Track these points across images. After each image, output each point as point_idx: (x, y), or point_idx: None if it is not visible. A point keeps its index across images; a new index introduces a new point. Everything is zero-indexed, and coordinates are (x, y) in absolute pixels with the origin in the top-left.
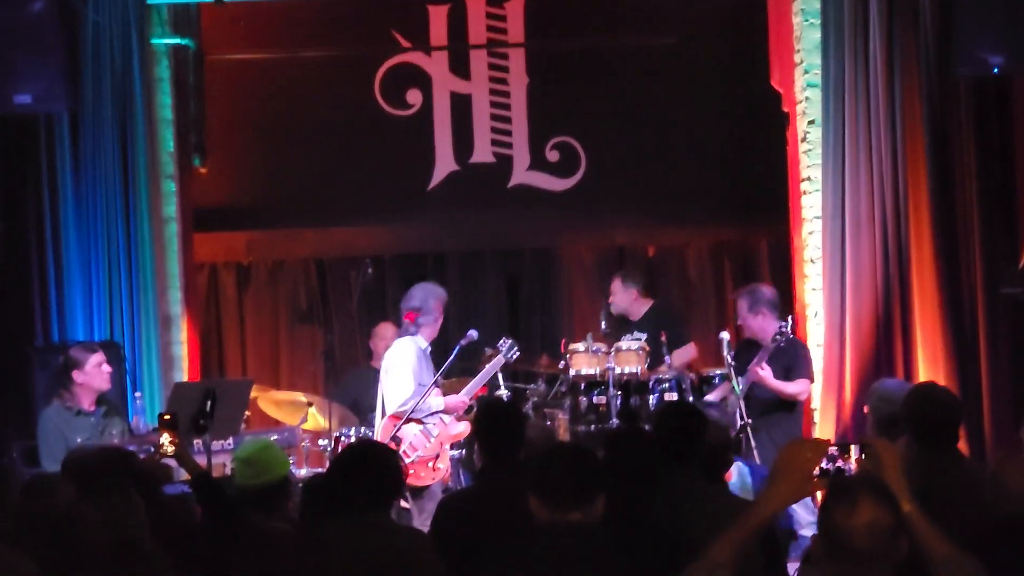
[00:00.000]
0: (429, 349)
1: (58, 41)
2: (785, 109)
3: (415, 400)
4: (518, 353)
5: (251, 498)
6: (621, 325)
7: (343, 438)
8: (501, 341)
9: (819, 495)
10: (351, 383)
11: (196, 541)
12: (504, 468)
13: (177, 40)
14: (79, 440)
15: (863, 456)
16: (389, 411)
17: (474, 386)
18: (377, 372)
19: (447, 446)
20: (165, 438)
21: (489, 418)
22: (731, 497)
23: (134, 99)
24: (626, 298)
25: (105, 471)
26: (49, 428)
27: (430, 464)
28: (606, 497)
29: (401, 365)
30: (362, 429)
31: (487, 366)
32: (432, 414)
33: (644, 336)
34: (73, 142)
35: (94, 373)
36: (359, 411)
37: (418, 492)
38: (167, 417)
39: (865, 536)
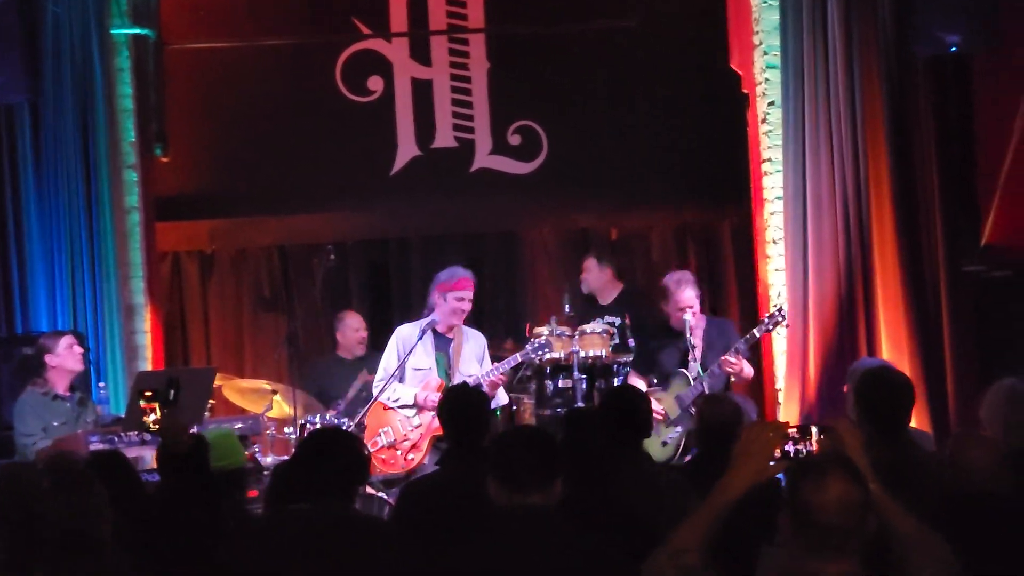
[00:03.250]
0: (430, 330)
1: (18, 32)
2: (745, 90)
3: (381, 387)
4: (546, 355)
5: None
6: (589, 308)
7: (308, 425)
8: (532, 341)
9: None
10: (317, 371)
11: (181, 531)
12: (468, 454)
13: (137, 30)
14: (56, 424)
15: (823, 438)
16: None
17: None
18: (343, 360)
19: (430, 438)
20: (151, 416)
21: (453, 404)
22: (678, 478)
23: (94, 89)
24: (600, 278)
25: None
26: (27, 412)
27: (399, 452)
28: (564, 478)
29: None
30: (327, 416)
31: (503, 362)
32: (403, 406)
33: (617, 320)
34: (34, 133)
35: (66, 355)
36: (325, 399)
37: (391, 482)
38: (149, 393)
39: (835, 510)
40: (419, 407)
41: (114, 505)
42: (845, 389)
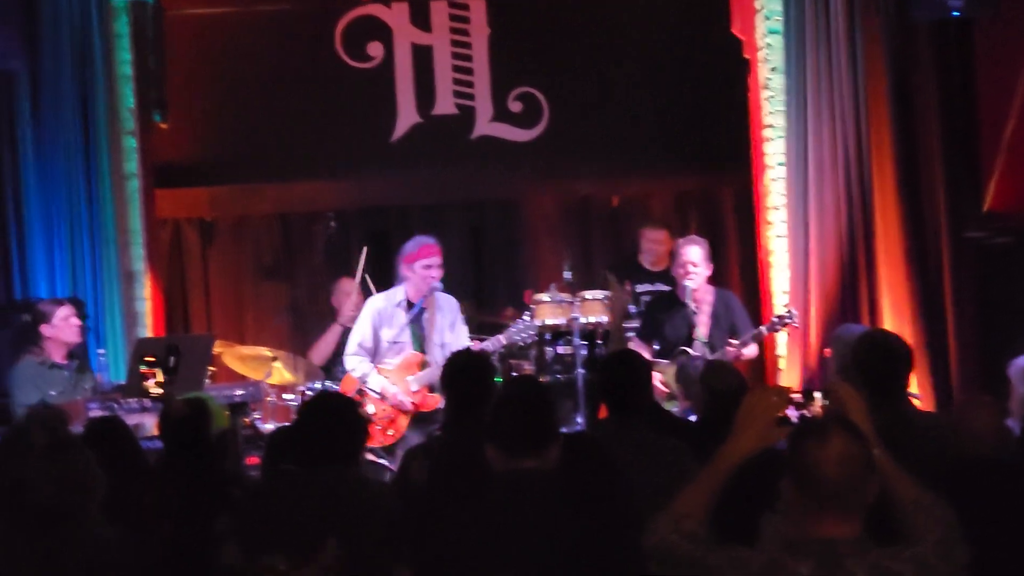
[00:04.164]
0: (403, 302)
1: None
2: (746, 56)
3: (355, 364)
4: (530, 338)
5: None
6: (634, 273)
7: (309, 392)
8: (524, 317)
9: None
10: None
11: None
12: (469, 419)
13: None
14: (53, 393)
15: (826, 401)
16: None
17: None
18: (342, 328)
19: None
20: (151, 380)
21: (455, 369)
22: (678, 445)
23: (93, 55)
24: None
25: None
26: (24, 380)
27: (378, 428)
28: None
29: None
30: (327, 383)
31: (492, 339)
32: (372, 391)
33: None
34: (33, 99)
35: (62, 326)
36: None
37: (391, 448)
38: (151, 359)
39: (836, 467)
40: (384, 399)
41: (112, 471)
42: (827, 353)
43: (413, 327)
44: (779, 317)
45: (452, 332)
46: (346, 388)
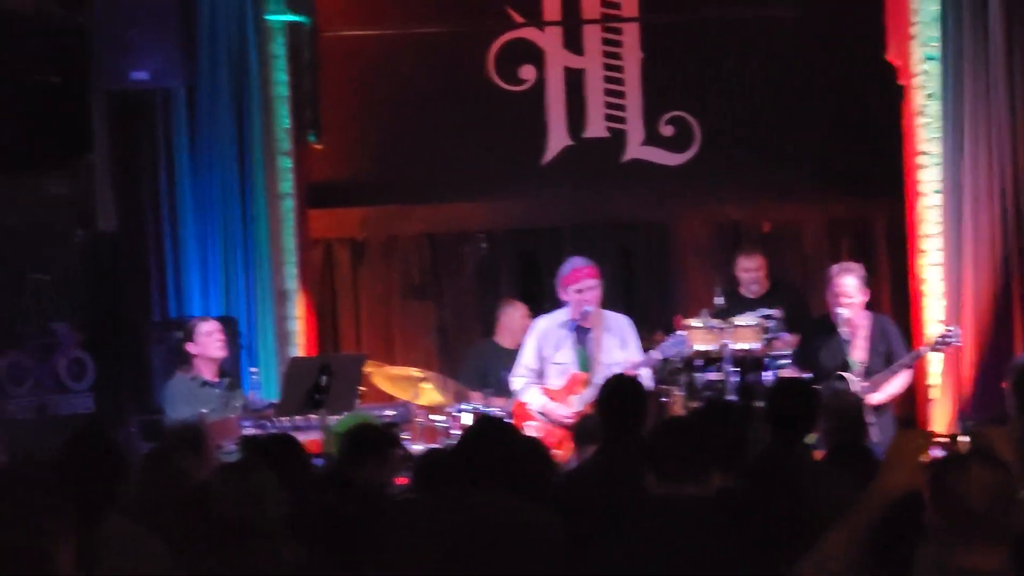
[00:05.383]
0: (568, 322)
1: (175, 18)
2: (901, 82)
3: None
4: (685, 353)
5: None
6: (736, 302)
7: (459, 414)
8: (675, 334)
9: None
10: (477, 356)
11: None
12: (625, 443)
13: (293, 17)
14: (205, 411)
15: (972, 443)
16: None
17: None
18: (501, 347)
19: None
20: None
21: (608, 392)
22: (844, 477)
23: (249, 75)
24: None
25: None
26: (177, 397)
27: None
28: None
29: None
30: (481, 404)
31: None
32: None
33: (773, 312)
34: (189, 118)
35: (206, 342)
36: (488, 386)
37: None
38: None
39: (979, 495)
40: (546, 419)
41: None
42: (1004, 386)
43: (579, 348)
44: (941, 336)
45: (623, 351)
46: (516, 413)
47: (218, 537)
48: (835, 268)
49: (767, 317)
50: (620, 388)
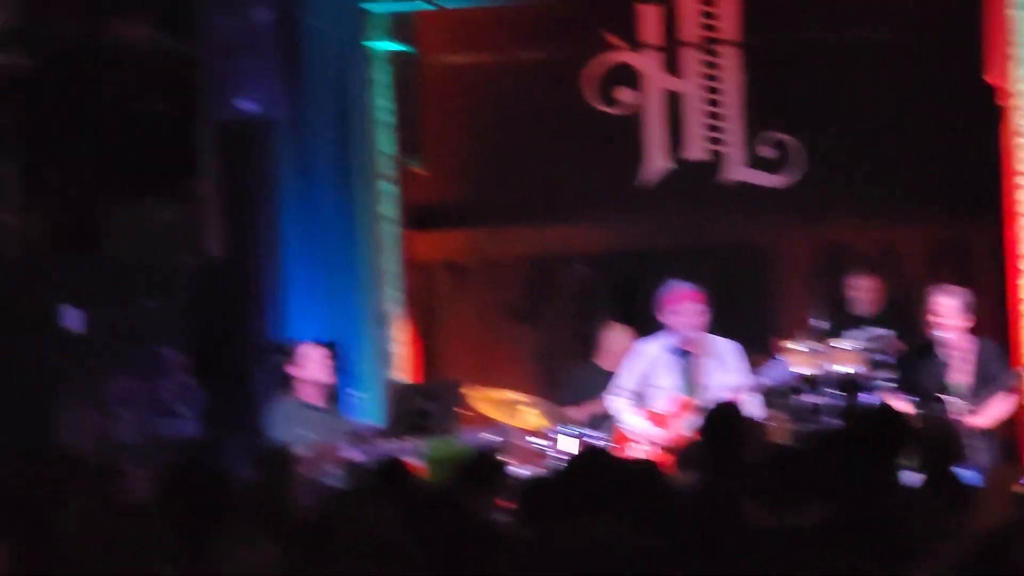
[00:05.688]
0: (671, 346)
1: (280, 48)
2: (1000, 103)
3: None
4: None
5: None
6: (846, 321)
7: (557, 436)
8: (775, 358)
9: None
10: (575, 378)
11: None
12: (727, 471)
13: (394, 45)
14: (307, 434)
15: None
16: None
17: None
18: (600, 369)
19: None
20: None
21: (716, 420)
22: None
23: (352, 101)
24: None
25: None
26: (279, 421)
27: None
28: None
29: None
30: (579, 429)
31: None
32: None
33: (884, 332)
34: (294, 145)
35: (310, 367)
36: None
37: None
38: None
39: None
40: (647, 442)
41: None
42: None
43: (682, 372)
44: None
45: (727, 376)
46: (618, 440)
47: (333, 562)
48: (935, 290)
49: (876, 338)
50: (724, 415)
